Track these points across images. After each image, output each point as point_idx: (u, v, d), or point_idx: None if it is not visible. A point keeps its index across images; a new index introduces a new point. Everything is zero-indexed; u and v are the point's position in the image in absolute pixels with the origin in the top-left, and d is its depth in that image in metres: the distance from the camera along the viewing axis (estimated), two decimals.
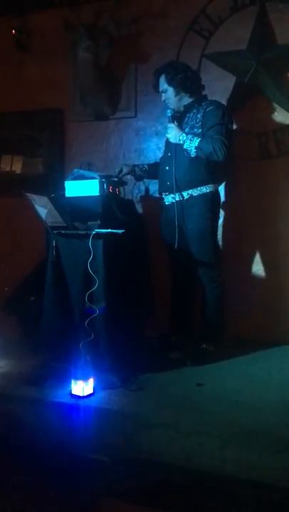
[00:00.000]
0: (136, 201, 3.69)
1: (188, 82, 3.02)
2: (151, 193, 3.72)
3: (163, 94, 3.09)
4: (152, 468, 2.10)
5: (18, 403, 2.42)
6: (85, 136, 3.96)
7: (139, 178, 3.41)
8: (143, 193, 3.77)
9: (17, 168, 4.21)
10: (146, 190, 3.76)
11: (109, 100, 3.83)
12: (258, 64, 3.37)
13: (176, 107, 3.07)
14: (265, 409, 2.30)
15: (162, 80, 3.05)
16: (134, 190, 3.73)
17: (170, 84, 3.02)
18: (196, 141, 2.86)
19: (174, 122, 3.00)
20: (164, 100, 3.11)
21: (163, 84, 3.06)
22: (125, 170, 3.29)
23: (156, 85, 3.11)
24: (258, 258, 3.53)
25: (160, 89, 3.09)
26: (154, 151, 3.70)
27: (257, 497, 1.97)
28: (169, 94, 3.05)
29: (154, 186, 3.58)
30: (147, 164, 3.41)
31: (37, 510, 2.01)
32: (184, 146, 2.90)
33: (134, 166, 3.37)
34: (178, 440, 2.12)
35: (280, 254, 3.48)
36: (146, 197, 3.75)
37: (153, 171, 3.33)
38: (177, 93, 3.04)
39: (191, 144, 2.87)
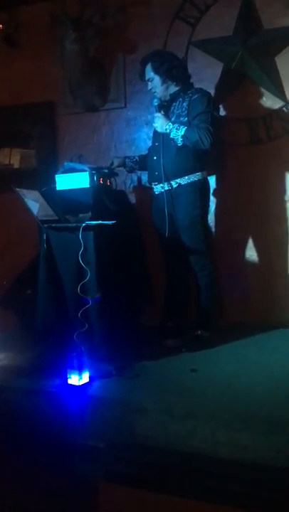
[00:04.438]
0: (128, 192, 3.73)
1: (174, 70, 3.02)
2: (143, 183, 3.72)
3: (149, 83, 3.08)
4: (148, 453, 2.15)
5: (15, 394, 2.47)
6: (76, 128, 3.96)
7: (130, 170, 3.43)
8: (135, 184, 3.78)
9: (15, 161, 4.22)
10: (139, 180, 3.76)
11: (98, 91, 3.82)
12: (245, 49, 3.36)
13: (163, 95, 3.07)
14: (256, 391, 2.35)
15: (148, 68, 3.04)
16: (126, 181, 3.75)
17: (156, 72, 3.02)
18: (182, 129, 2.87)
19: (160, 112, 2.99)
20: (151, 89, 3.09)
21: (149, 73, 3.05)
22: (116, 163, 3.33)
23: (143, 74, 3.11)
24: (250, 243, 3.54)
25: (146, 77, 3.08)
26: (145, 141, 3.70)
27: (250, 478, 2.01)
28: (155, 82, 3.05)
29: (146, 176, 3.55)
30: (138, 156, 3.42)
31: (35, 497, 2.07)
32: (171, 135, 2.90)
33: (126, 158, 3.39)
34: (172, 424, 2.17)
35: (273, 239, 3.49)
36: (139, 187, 3.76)
37: (144, 162, 3.34)
38: (164, 82, 3.03)
39: (178, 133, 2.87)
